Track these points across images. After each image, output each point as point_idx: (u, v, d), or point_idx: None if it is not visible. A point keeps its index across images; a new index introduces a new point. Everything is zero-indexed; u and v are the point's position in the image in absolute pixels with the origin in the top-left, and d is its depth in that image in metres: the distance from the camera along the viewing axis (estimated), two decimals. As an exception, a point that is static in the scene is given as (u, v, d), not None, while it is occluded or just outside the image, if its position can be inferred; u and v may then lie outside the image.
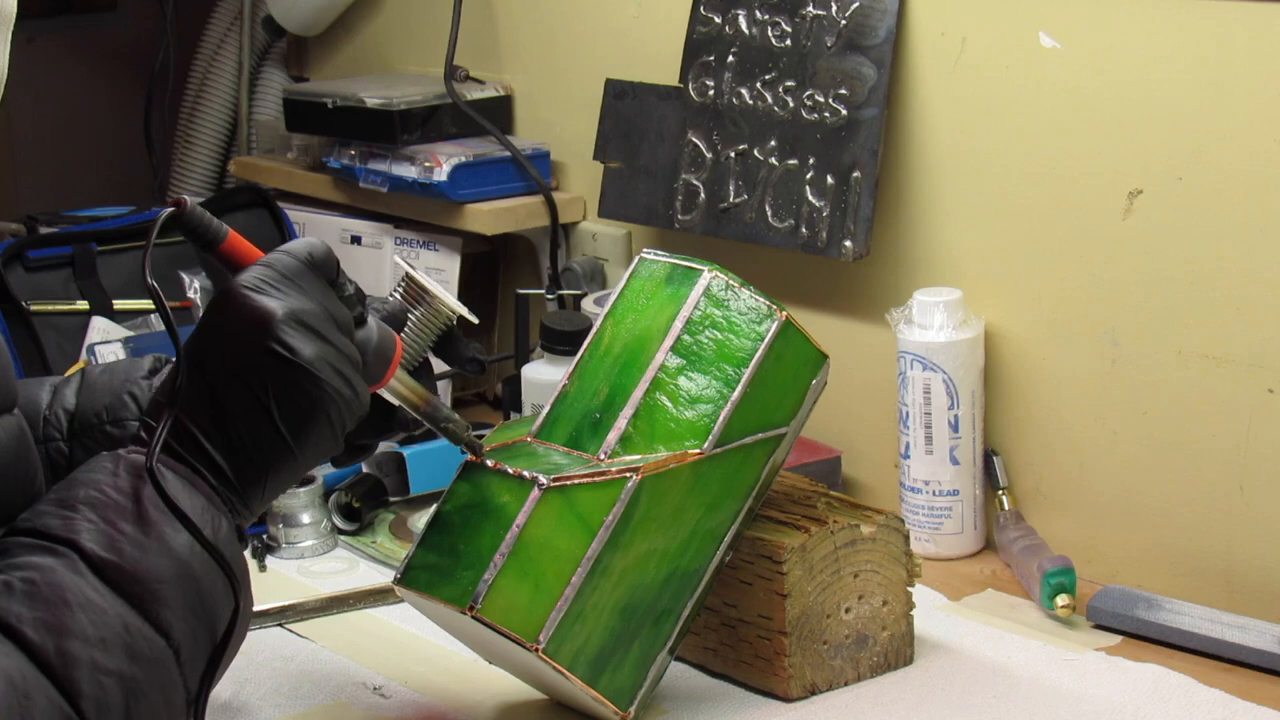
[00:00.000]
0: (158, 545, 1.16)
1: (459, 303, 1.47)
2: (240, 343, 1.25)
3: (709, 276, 1.53)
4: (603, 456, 1.48)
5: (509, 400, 2.06)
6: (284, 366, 1.25)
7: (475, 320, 1.47)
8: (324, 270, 1.31)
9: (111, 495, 1.18)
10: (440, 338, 1.47)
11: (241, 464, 1.25)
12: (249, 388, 1.24)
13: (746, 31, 1.96)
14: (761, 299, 1.52)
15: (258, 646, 1.67)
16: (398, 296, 1.45)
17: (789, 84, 1.92)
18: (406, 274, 1.46)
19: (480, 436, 1.51)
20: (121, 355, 2.12)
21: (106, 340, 2.15)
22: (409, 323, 1.44)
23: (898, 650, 1.59)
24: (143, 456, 1.21)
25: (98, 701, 1.10)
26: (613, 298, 1.57)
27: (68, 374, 1.49)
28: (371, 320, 1.34)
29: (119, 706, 1.11)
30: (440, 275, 2.29)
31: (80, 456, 1.39)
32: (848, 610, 1.56)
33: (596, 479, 1.45)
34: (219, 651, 1.21)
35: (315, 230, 2.38)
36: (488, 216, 2.21)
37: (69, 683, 1.09)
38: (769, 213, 1.94)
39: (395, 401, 1.40)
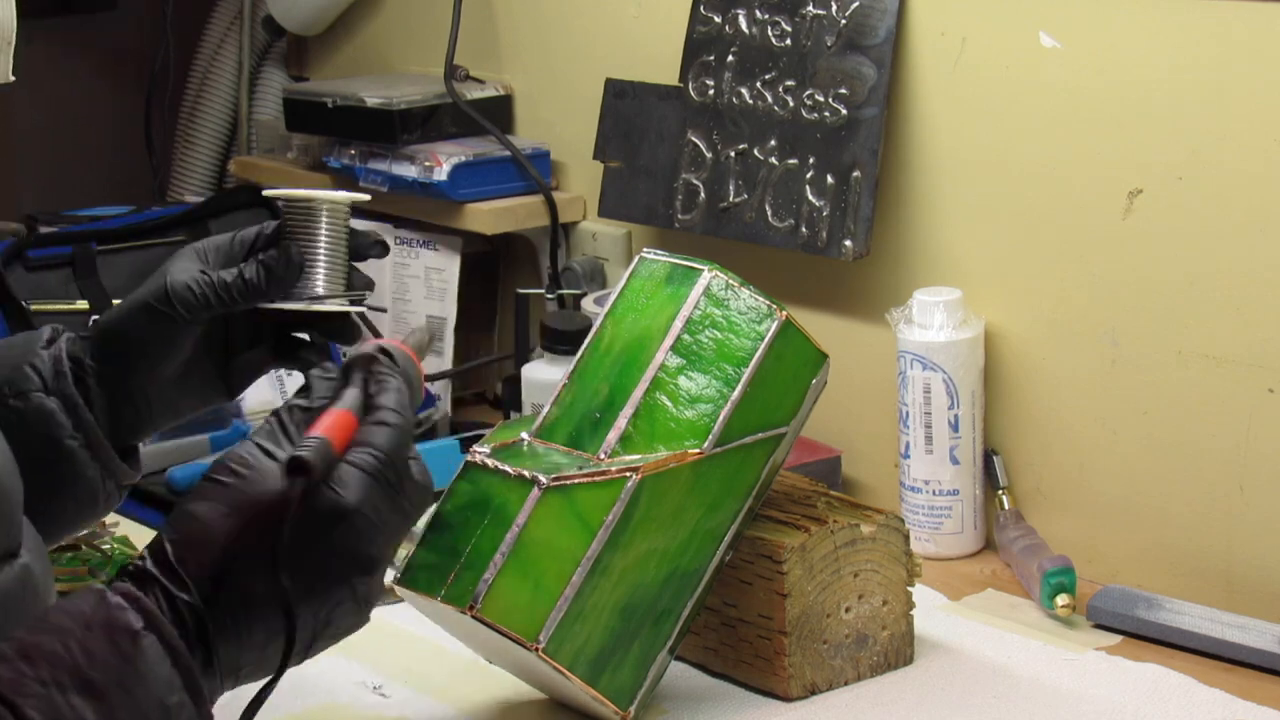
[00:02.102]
0: None
1: (340, 191, 1.41)
2: (336, 576, 1.15)
3: (709, 276, 1.53)
4: (603, 456, 1.48)
5: (509, 400, 2.06)
6: (355, 610, 1.17)
7: (367, 198, 1.42)
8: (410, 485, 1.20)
9: (76, 656, 1.06)
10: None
11: (259, 670, 1.15)
12: (319, 617, 1.15)
13: (746, 31, 1.96)
14: (761, 299, 1.52)
15: (258, 646, 1.67)
16: (276, 227, 1.37)
17: (789, 84, 1.92)
18: (285, 198, 1.38)
19: (483, 436, 1.51)
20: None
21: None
22: (321, 247, 1.38)
23: (898, 650, 1.59)
24: (125, 611, 1.09)
25: None
26: (613, 297, 1.57)
27: None
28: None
29: None
30: (440, 275, 2.29)
31: None
32: (848, 610, 1.56)
33: (596, 479, 1.45)
34: None
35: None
36: (488, 216, 2.21)
37: None
38: (769, 212, 1.94)
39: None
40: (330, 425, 1.16)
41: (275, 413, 1.19)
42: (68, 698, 1.04)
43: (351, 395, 1.20)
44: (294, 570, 1.12)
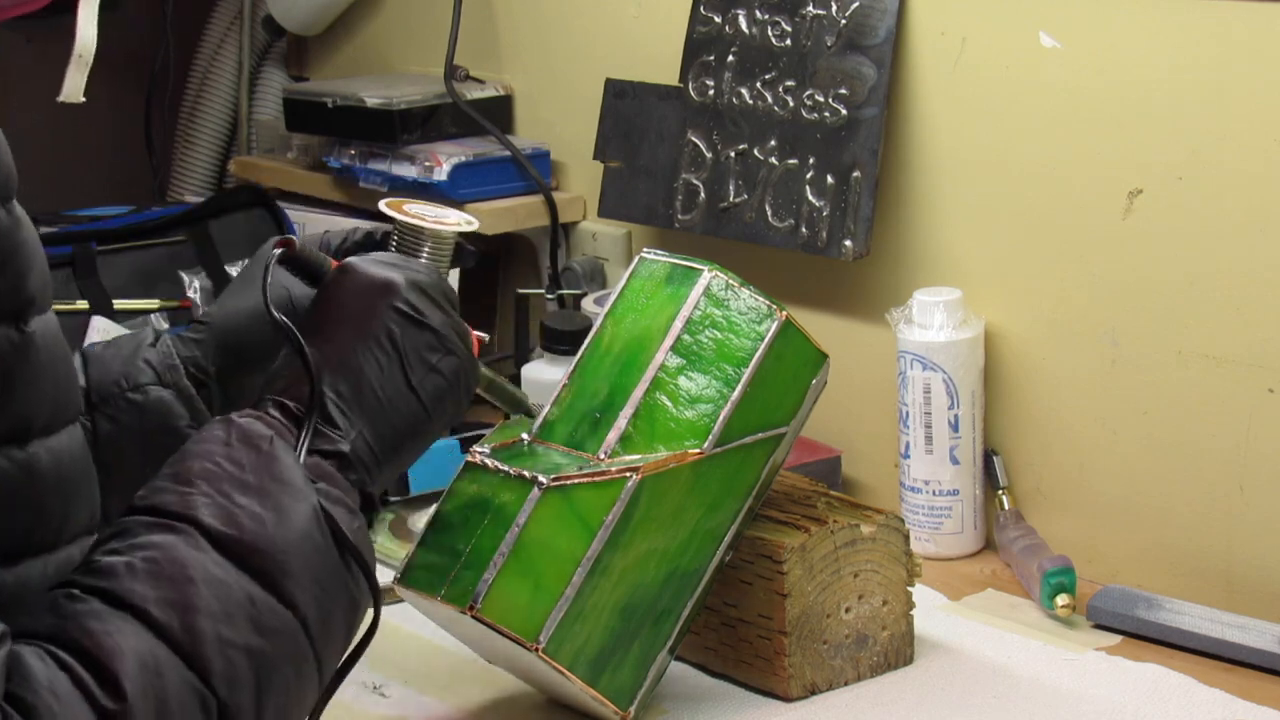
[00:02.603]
0: (275, 517, 1.15)
1: (454, 215, 1.45)
2: (369, 307, 1.26)
3: (709, 276, 1.53)
4: (603, 456, 1.48)
5: (509, 400, 2.06)
6: (416, 329, 1.26)
7: (474, 224, 1.45)
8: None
9: (226, 468, 1.16)
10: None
11: (379, 427, 1.24)
12: (384, 350, 1.25)
13: (746, 31, 1.96)
14: (761, 299, 1.52)
15: (258, 646, 1.67)
16: (394, 248, 1.42)
17: (789, 84, 1.92)
18: (397, 222, 1.42)
19: (483, 436, 1.51)
20: (121, 355, 2.13)
21: (107, 339, 2.15)
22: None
23: (898, 650, 1.59)
24: (254, 421, 1.20)
25: (228, 676, 1.09)
26: (613, 297, 1.57)
27: None
28: None
29: (249, 680, 1.10)
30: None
31: (104, 427, 1.38)
32: (848, 610, 1.56)
33: (596, 479, 1.45)
34: (369, 628, 1.21)
35: (315, 230, 2.38)
36: (488, 216, 2.21)
37: (199, 659, 1.08)
38: (769, 212, 1.94)
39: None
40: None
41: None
42: (234, 500, 1.14)
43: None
44: (327, 322, 1.26)
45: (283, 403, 1.23)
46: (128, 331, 2.16)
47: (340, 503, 1.19)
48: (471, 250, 1.47)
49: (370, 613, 1.20)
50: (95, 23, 1.28)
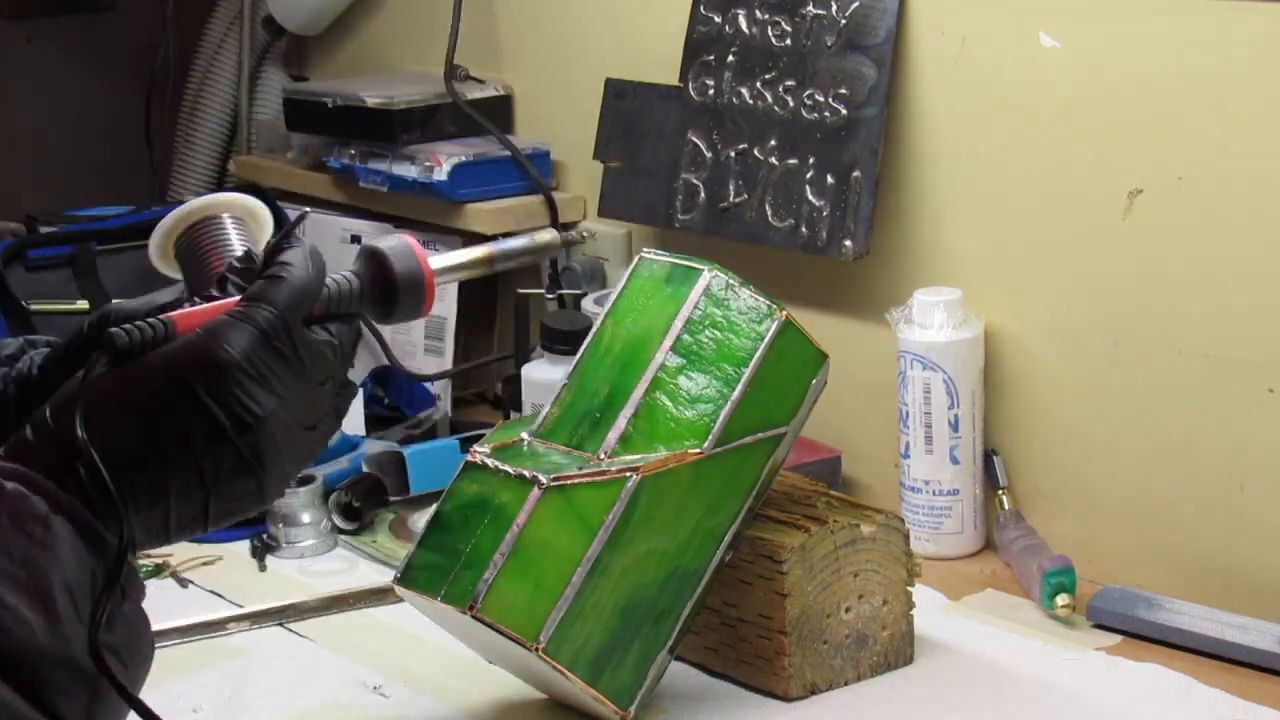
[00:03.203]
0: (43, 622, 1.02)
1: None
2: (213, 433, 1.10)
3: (709, 276, 1.53)
4: (603, 456, 1.48)
5: (509, 400, 2.06)
6: (244, 469, 1.12)
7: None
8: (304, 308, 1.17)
9: None
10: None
11: (153, 533, 1.11)
12: (198, 477, 1.10)
13: (746, 31, 1.96)
14: (761, 298, 1.52)
15: (258, 646, 1.67)
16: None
17: (789, 83, 1.92)
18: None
19: (483, 436, 1.51)
20: (121, 355, 2.12)
21: None
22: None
23: (898, 650, 1.59)
24: (25, 494, 1.05)
25: None
26: (613, 297, 1.57)
27: None
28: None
29: None
30: (439, 275, 2.28)
31: None
32: (848, 610, 1.55)
33: (596, 479, 1.45)
34: None
35: (315, 230, 2.38)
36: (488, 216, 2.21)
37: None
38: (769, 212, 1.94)
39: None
40: (207, 310, 1.14)
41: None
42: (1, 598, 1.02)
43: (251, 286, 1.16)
44: (156, 426, 1.08)
45: (54, 459, 1.07)
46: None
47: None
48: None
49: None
50: None
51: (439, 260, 1.30)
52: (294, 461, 1.15)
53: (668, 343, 1.51)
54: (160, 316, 1.13)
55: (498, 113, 2.29)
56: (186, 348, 1.11)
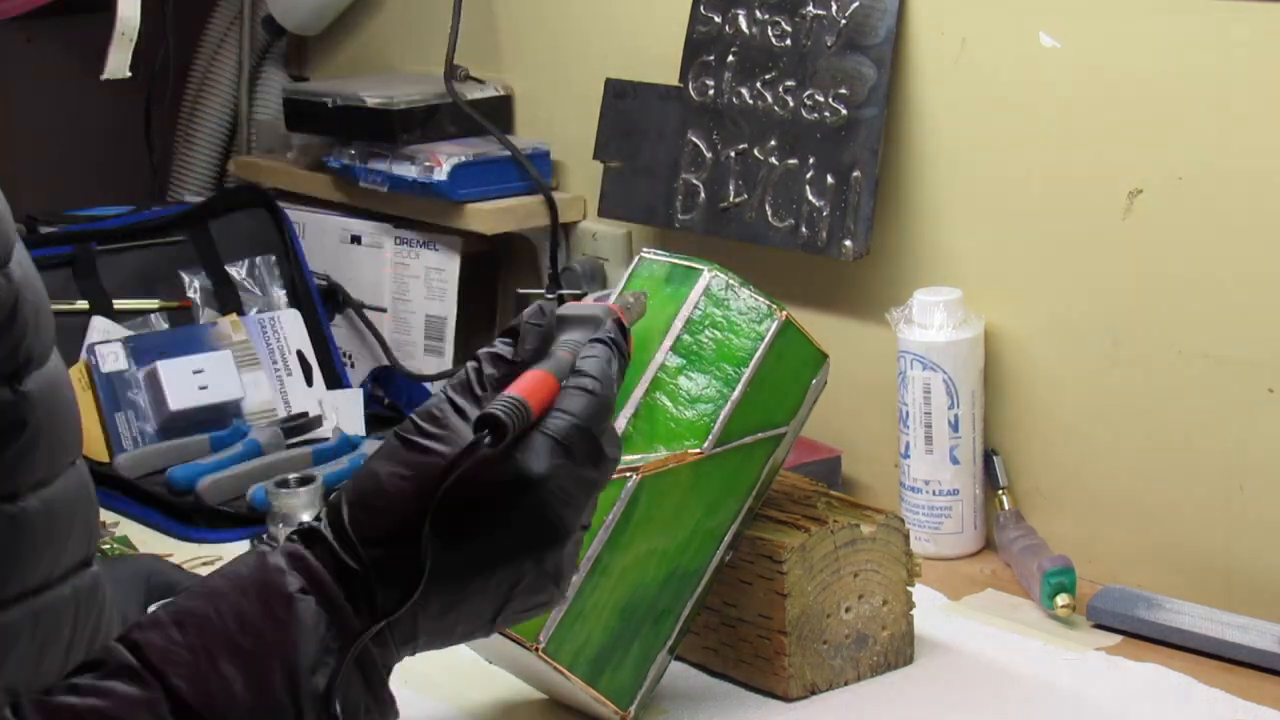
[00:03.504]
0: (253, 698, 1.02)
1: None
2: (523, 547, 1.08)
3: (709, 276, 1.53)
4: (603, 456, 1.48)
5: (509, 400, 2.06)
6: (541, 583, 1.10)
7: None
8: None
9: (226, 622, 1.03)
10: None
11: (436, 641, 1.11)
12: (501, 589, 1.09)
13: (746, 31, 1.96)
14: (761, 298, 1.52)
15: (258, 646, 1.67)
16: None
17: (789, 84, 1.92)
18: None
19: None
20: (121, 355, 2.13)
21: (107, 340, 2.15)
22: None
23: (898, 650, 1.59)
24: (282, 571, 1.05)
25: None
26: (613, 298, 1.57)
27: None
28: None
29: None
30: (440, 275, 2.29)
31: None
32: (848, 610, 1.55)
33: (596, 479, 1.45)
34: None
35: (315, 230, 2.38)
36: (488, 216, 2.21)
37: None
38: (769, 212, 1.94)
39: None
40: (530, 386, 1.10)
41: (474, 357, 1.13)
42: (216, 665, 1.02)
43: (559, 356, 1.14)
44: (465, 541, 1.06)
45: (338, 556, 1.06)
46: (129, 333, 2.16)
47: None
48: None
49: None
50: (138, 1, 1.25)
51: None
52: (575, 565, 1.13)
53: (668, 343, 1.51)
54: (519, 399, 1.08)
55: (498, 113, 2.29)
56: (516, 471, 1.08)
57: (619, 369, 1.16)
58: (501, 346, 1.14)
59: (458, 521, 1.07)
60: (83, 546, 1.13)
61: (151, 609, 1.23)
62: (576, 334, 1.16)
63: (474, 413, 1.09)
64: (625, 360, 1.18)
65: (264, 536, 1.87)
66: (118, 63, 1.24)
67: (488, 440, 1.06)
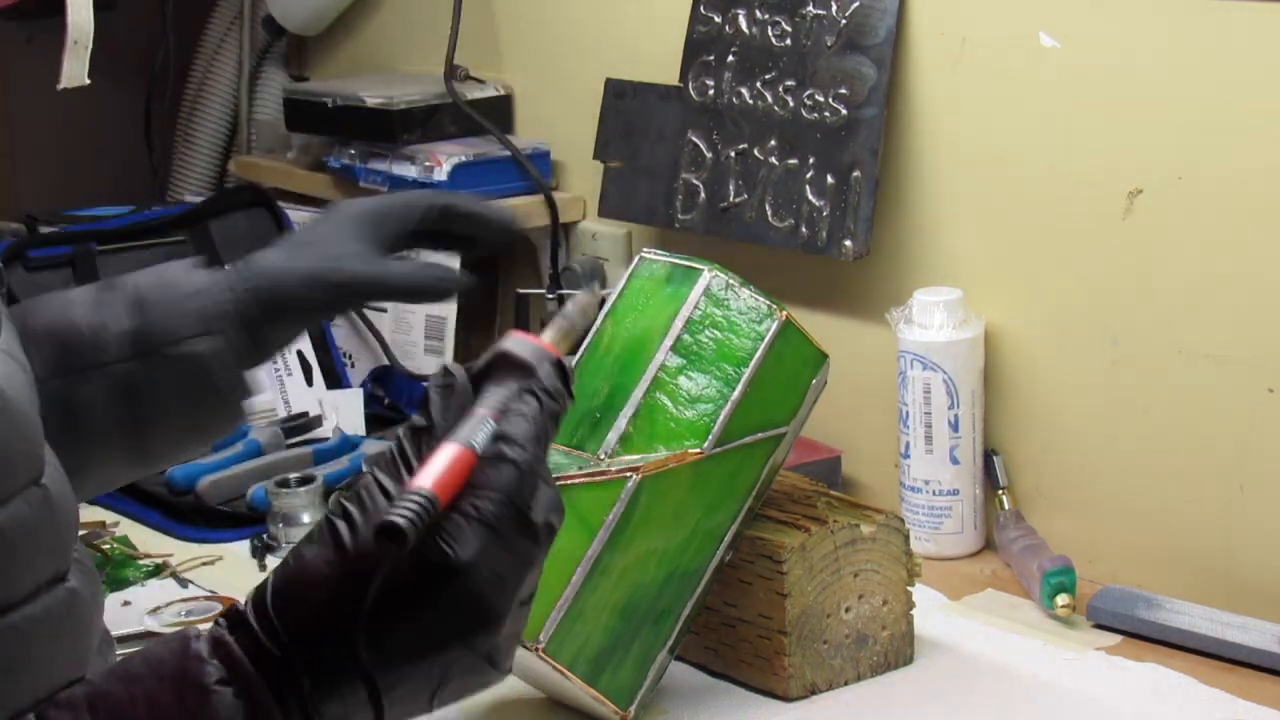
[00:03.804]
0: None
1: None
2: (452, 634, 1.02)
3: (709, 276, 1.53)
4: (603, 456, 1.48)
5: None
6: (476, 667, 1.04)
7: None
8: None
9: (139, 708, 1.01)
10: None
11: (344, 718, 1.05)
12: (432, 676, 1.03)
13: (746, 31, 1.96)
14: (761, 298, 1.52)
15: (258, 646, 1.66)
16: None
17: (789, 83, 1.92)
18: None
19: None
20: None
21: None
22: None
23: (898, 650, 1.59)
24: (202, 662, 1.02)
25: None
26: (613, 297, 1.57)
27: (94, 285, 1.41)
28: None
29: None
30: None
31: (145, 378, 1.34)
32: (848, 610, 1.55)
33: (596, 479, 1.45)
34: None
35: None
36: (488, 216, 2.21)
37: None
38: (769, 212, 1.94)
39: None
40: (441, 470, 1.02)
41: (396, 437, 1.06)
42: None
43: (479, 417, 1.05)
44: (391, 632, 1.01)
45: (261, 643, 1.02)
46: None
47: None
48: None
49: None
50: (89, 7, 1.24)
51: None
52: (515, 642, 1.07)
53: (668, 343, 1.51)
54: (425, 493, 1.00)
55: (498, 113, 2.29)
56: (439, 556, 1.01)
57: (555, 417, 1.07)
58: (418, 419, 1.06)
59: (384, 613, 1.02)
60: (52, 565, 1.10)
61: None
62: (505, 386, 1.07)
63: (398, 493, 1.02)
64: (565, 403, 1.09)
65: (264, 536, 1.88)
66: (74, 71, 1.23)
67: (391, 548, 0.99)
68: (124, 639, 1.61)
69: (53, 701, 1.02)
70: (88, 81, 1.27)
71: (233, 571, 1.84)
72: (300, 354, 2.21)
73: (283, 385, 2.19)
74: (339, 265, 1.40)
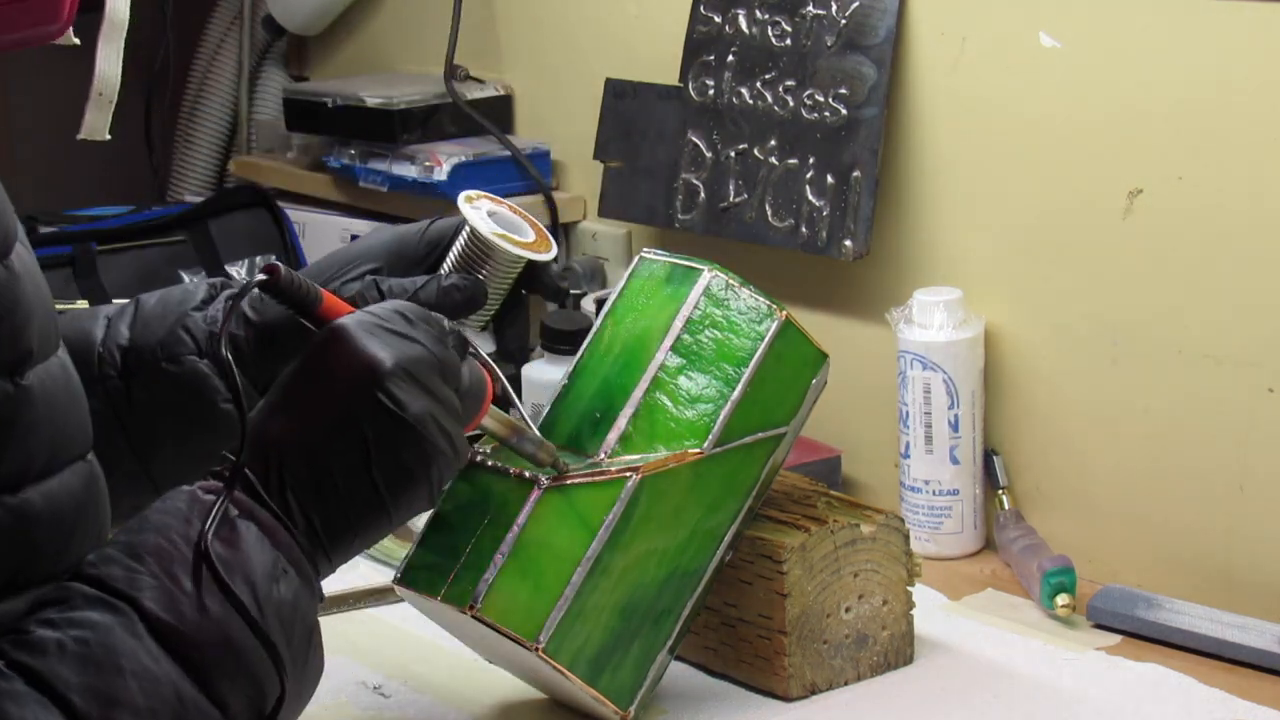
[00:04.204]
0: (220, 609, 1.10)
1: (531, 234, 1.45)
2: (347, 390, 1.19)
3: (709, 276, 1.53)
4: (603, 456, 1.48)
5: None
6: (390, 421, 1.19)
7: (552, 253, 1.45)
8: (429, 318, 1.25)
9: (180, 547, 1.11)
10: (519, 281, 1.46)
11: (332, 516, 1.18)
12: (351, 439, 1.18)
13: (746, 31, 1.96)
14: (761, 298, 1.52)
15: (258, 646, 1.66)
16: (455, 254, 1.44)
17: (789, 83, 1.92)
18: (469, 231, 1.43)
19: (481, 436, 1.51)
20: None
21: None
22: (492, 291, 1.43)
23: (898, 650, 1.59)
24: (216, 497, 1.15)
25: None
26: (613, 297, 1.57)
27: (121, 303, 1.44)
28: (465, 364, 1.29)
29: None
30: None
31: (138, 395, 1.36)
32: (848, 610, 1.55)
33: (596, 479, 1.45)
34: None
35: (315, 230, 2.38)
36: (488, 216, 2.21)
37: None
38: (769, 212, 1.94)
39: (482, 433, 1.39)
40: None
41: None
42: (180, 585, 1.09)
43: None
44: (292, 394, 1.20)
45: (249, 478, 1.17)
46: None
47: (301, 584, 1.16)
48: (559, 288, 1.49)
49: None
50: (119, 60, 1.25)
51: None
52: (450, 417, 1.23)
53: (668, 342, 1.51)
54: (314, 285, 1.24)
55: (498, 113, 2.29)
56: (355, 357, 1.20)
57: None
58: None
59: (282, 386, 1.20)
60: (91, 544, 1.14)
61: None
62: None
63: None
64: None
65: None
66: (96, 124, 1.24)
67: (264, 278, 1.21)
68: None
69: (89, 562, 1.10)
70: (108, 137, 1.27)
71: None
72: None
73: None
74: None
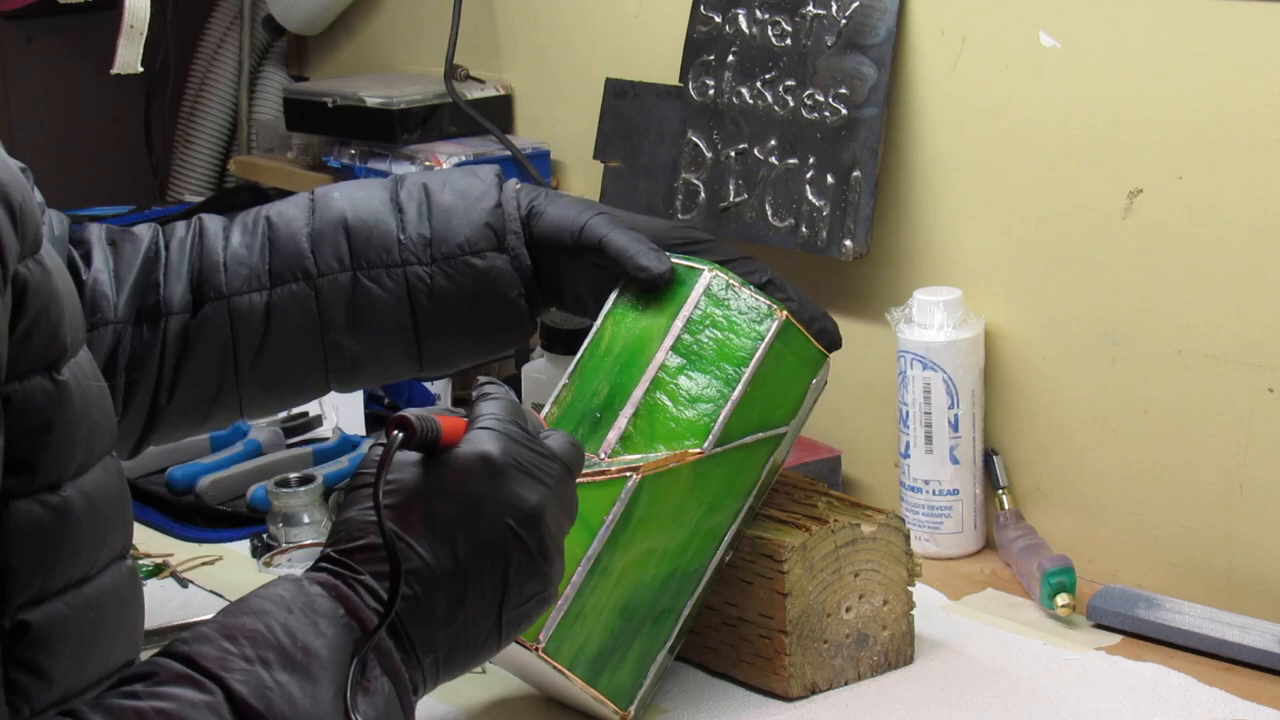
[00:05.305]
0: (310, 705, 1.08)
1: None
2: (496, 523, 1.18)
3: (709, 276, 1.53)
4: (603, 456, 1.48)
5: (509, 400, 2.06)
6: (530, 566, 1.19)
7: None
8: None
9: (278, 636, 1.09)
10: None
11: (455, 651, 1.18)
12: (494, 581, 1.18)
13: (746, 31, 1.96)
14: (761, 298, 1.52)
15: (258, 646, 1.66)
16: None
17: (789, 83, 1.92)
18: None
19: None
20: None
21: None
22: None
23: (898, 649, 1.59)
24: (324, 596, 1.13)
25: None
26: (613, 297, 1.57)
27: (391, 180, 1.57)
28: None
29: None
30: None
31: (441, 284, 1.52)
32: (848, 609, 1.56)
33: (596, 478, 1.45)
34: None
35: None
36: (488, 216, 2.21)
37: None
38: (769, 212, 1.94)
39: None
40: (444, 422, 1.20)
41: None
42: (273, 673, 1.07)
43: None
44: (446, 534, 1.16)
45: (370, 584, 1.15)
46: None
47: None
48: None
49: None
50: None
51: None
52: (560, 554, 1.23)
53: (668, 342, 1.51)
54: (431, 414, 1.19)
55: (498, 113, 2.30)
56: (470, 457, 1.19)
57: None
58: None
59: (434, 519, 1.17)
60: (120, 538, 1.14)
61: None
62: None
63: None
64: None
65: (264, 536, 1.88)
66: (128, 57, 1.24)
67: (400, 435, 1.16)
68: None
69: (181, 639, 1.09)
70: (140, 69, 1.28)
71: (233, 571, 1.84)
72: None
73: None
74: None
